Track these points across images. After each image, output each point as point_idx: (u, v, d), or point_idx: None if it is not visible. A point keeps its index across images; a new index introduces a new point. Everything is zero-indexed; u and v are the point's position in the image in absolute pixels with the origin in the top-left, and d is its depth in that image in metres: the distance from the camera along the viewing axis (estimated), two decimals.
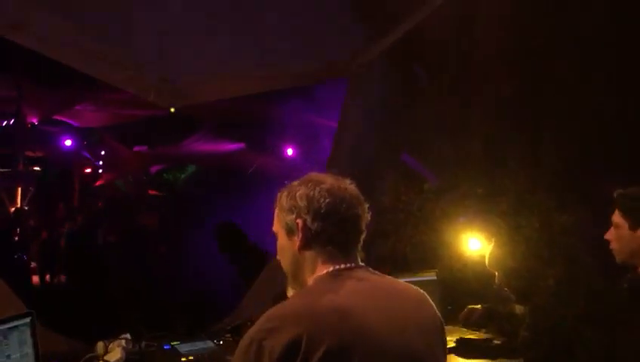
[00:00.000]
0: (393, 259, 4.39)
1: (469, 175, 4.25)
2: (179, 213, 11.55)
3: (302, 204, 1.59)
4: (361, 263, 1.62)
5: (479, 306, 3.39)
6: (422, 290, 1.66)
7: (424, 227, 4.30)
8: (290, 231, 1.62)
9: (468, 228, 3.87)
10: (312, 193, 1.59)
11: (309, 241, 1.59)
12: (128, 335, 2.82)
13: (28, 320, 2.28)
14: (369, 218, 1.65)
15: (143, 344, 2.82)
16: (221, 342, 2.78)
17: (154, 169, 13.54)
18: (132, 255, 7.40)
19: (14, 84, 9.62)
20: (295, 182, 1.65)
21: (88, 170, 13.26)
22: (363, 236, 1.63)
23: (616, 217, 2.41)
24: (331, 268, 1.57)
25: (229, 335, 2.94)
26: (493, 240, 3.55)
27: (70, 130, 12.08)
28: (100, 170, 13.44)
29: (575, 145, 3.75)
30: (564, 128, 3.81)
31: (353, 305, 1.46)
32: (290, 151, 11.11)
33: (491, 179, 4.12)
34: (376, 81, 4.19)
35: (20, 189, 11.63)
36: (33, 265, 8.68)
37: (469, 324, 3.35)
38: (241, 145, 11.49)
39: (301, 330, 1.35)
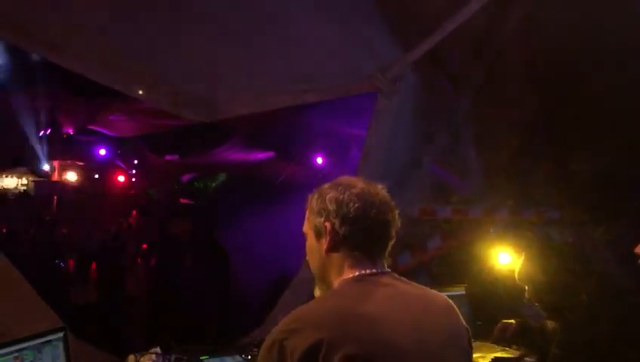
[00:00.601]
0: (418, 271, 4.36)
1: (498, 187, 4.22)
2: (210, 221, 11.65)
3: (331, 207, 1.61)
4: (387, 269, 1.62)
5: (513, 321, 3.34)
6: (449, 299, 1.67)
7: (451, 240, 4.27)
8: (318, 234, 1.64)
9: (498, 241, 3.83)
10: (341, 197, 1.61)
11: (337, 244, 1.60)
12: (158, 349, 2.86)
13: (61, 334, 2.34)
14: (399, 224, 1.66)
15: (173, 357, 2.85)
16: (249, 357, 2.79)
17: (185, 178, 13.71)
18: (163, 264, 7.48)
19: (51, 95, 9.86)
20: (326, 185, 1.68)
21: (122, 179, 13.49)
22: (392, 242, 1.64)
23: None
24: (357, 273, 1.58)
25: (256, 349, 2.96)
26: (523, 253, 3.50)
27: (104, 140, 12.31)
28: (133, 179, 13.66)
29: (607, 158, 3.68)
30: (596, 141, 3.75)
31: (375, 311, 1.46)
32: (319, 160, 11.13)
33: (521, 191, 4.08)
34: (404, 93, 4.18)
35: (55, 198, 11.90)
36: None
37: (502, 340, 3.29)
38: (271, 153, 11.57)
39: (322, 334, 1.37)
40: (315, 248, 1.65)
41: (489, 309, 3.68)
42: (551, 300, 3.42)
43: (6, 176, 12.05)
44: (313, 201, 1.67)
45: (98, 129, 11.62)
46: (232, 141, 11.33)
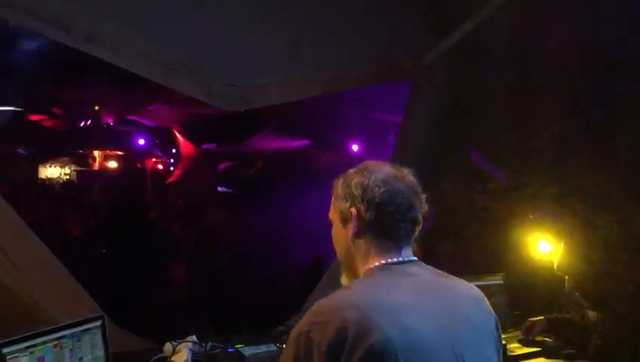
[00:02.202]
0: (456, 260, 4.31)
1: (539, 173, 4.12)
2: (246, 209, 11.76)
3: (356, 192, 1.58)
4: (413, 257, 1.59)
5: (540, 318, 3.23)
6: (477, 288, 1.62)
7: (489, 228, 4.20)
8: (344, 220, 1.61)
9: (537, 229, 3.74)
10: (366, 182, 1.58)
11: (362, 231, 1.58)
12: (195, 337, 2.90)
13: (99, 323, 2.38)
14: (426, 209, 1.62)
15: (209, 345, 2.88)
16: (284, 346, 2.80)
17: (222, 166, 13.84)
18: (201, 253, 7.59)
19: (91, 86, 10.05)
20: (351, 170, 1.65)
21: (160, 168, 13.72)
22: (419, 228, 1.61)
23: None
24: (383, 261, 1.55)
25: None
26: (564, 242, 3.42)
27: (143, 130, 12.50)
28: (172, 168, 13.86)
29: None
30: None
31: (401, 301, 1.44)
32: (355, 148, 11.08)
33: (563, 178, 3.97)
34: (440, 80, 4.12)
35: (96, 187, 12.17)
36: None
37: (530, 339, 3.20)
38: (307, 141, 11.57)
39: (347, 324, 1.35)
40: (341, 235, 1.63)
41: (527, 299, 3.61)
42: (596, 290, 3.33)
43: (49, 166, 12.37)
44: (338, 187, 1.65)
45: (137, 119, 11.82)
46: (268, 129, 11.38)
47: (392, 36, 3.84)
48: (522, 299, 3.61)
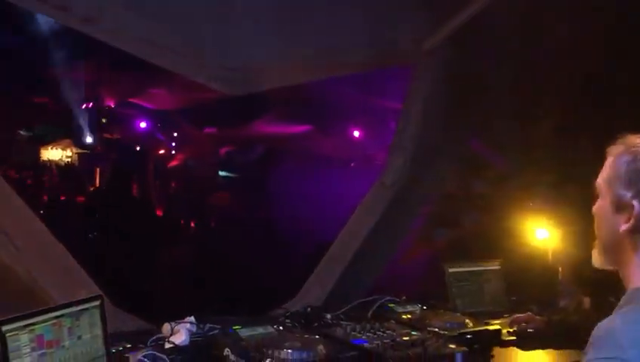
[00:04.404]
0: (453, 247, 4.34)
1: (537, 161, 4.14)
2: (248, 193, 11.78)
3: None
4: None
5: (542, 317, 3.15)
6: None
7: (487, 215, 4.23)
8: (617, 207, 1.41)
9: (535, 216, 3.77)
10: None
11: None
12: (193, 318, 2.93)
13: (98, 302, 2.41)
14: None
15: (207, 326, 2.92)
16: (281, 328, 2.84)
17: (224, 150, 13.84)
18: (202, 236, 7.62)
19: (93, 69, 10.03)
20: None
21: (162, 152, 13.72)
22: None
23: None
24: None
25: (288, 321, 3.00)
26: (561, 230, 3.44)
27: (145, 113, 12.49)
28: (173, 152, 13.87)
29: None
30: None
31: None
32: (356, 134, 11.08)
33: (562, 166, 3.99)
34: (441, 66, 4.11)
35: (97, 170, 12.20)
36: None
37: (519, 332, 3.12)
38: (309, 127, 11.55)
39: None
40: (607, 218, 1.44)
41: (524, 285, 3.64)
42: (592, 277, 3.35)
43: (51, 148, 12.39)
44: (622, 163, 1.41)
45: (138, 102, 11.81)
46: (269, 114, 11.36)
47: (393, 21, 3.83)
48: (519, 286, 3.64)
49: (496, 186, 4.40)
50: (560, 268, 3.24)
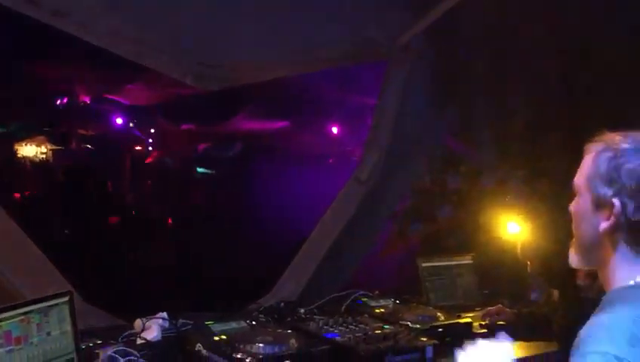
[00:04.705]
0: (428, 241, 4.37)
1: (509, 156, 4.19)
2: (225, 190, 11.75)
3: (628, 183, 1.30)
4: None
5: (512, 310, 3.19)
6: None
7: (461, 210, 4.27)
8: (598, 205, 1.36)
9: (507, 211, 3.81)
10: None
11: (622, 231, 1.33)
12: (165, 314, 2.92)
13: (67, 298, 2.38)
14: None
15: (180, 322, 2.91)
16: (254, 323, 2.84)
17: (201, 147, 13.76)
18: (179, 232, 7.59)
19: (68, 63, 9.87)
20: (626, 144, 1.34)
21: (139, 148, 13.58)
22: None
23: None
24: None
25: (262, 315, 3.01)
26: (530, 223, 3.48)
27: (121, 109, 12.34)
28: (150, 148, 13.74)
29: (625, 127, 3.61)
30: (610, 112, 3.68)
31: None
32: (335, 130, 11.09)
33: (532, 161, 4.05)
34: (415, 62, 4.13)
35: (73, 166, 12.01)
36: None
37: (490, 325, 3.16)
38: (287, 123, 11.53)
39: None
40: (587, 215, 1.39)
41: (495, 278, 3.68)
42: (561, 269, 3.40)
43: (25, 145, 12.19)
44: (602, 160, 1.36)
45: (114, 98, 11.67)
46: (247, 110, 11.32)
47: (369, 16, 3.83)
48: (491, 279, 3.68)
49: (470, 181, 4.44)
50: (529, 262, 3.28)
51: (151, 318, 2.86)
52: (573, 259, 1.49)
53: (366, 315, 2.97)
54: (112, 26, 3.09)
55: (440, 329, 2.79)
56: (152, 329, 2.77)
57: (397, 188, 4.31)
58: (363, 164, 4.09)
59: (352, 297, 3.25)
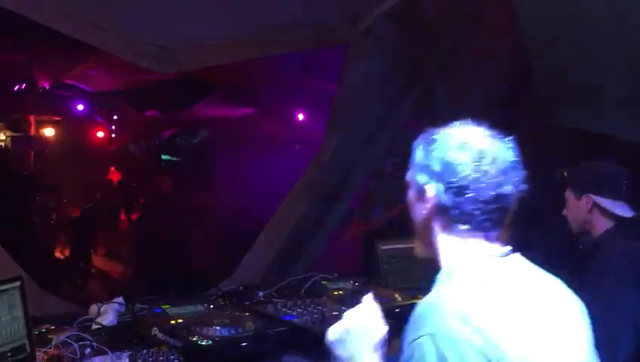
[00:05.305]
0: (391, 225, 4.39)
1: None
2: (190, 177, 11.64)
3: (436, 168, 1.35)
4: (506, 249, 1.37)
5: None
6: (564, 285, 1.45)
7: None
8: (419, 193, 1.41)
9: None
10: (451, 158, 1.33)
11: (440, 215, 1.37)
12: (121, 299, 2.88)
13: (17, 284, 2.33)
14: (523, 190, 1.36)
15: (136, 307, 2.87)
16: (212, 306, 2.82)
17: (166, 134, 13.59)
18: (142, 220, 7.50)
19: (25, 47, 9.61)
20: (437, 134, 1.40)
21: (101, 135, 13.35)
22: (510, 213, 1.37)
23: (566, 193, 2.63)
24: (465, 256, 1.36)
25: (220, 299, 2.99)
26: None
27: (82, 95, 12.09)
28: (113, 135, 13.52)
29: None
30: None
31: (489, 310, 1.25)
32: (300, 117, 11.06)
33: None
34: (375, 45, 4.13)
35: (32, 153, 11.76)
36: None
37: None
38: (252, 109, 11.45)
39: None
40: (413, 205, 1.44)
41: None
42: None
43: None
44: (416, 151, 1.42)
45: (75, 83, 11.41)
46: (212, 97, 11.21)
47: (328, 0, 3.82)
48: None
49: None
50: None
51: (106, 303, 2.81)
52: (417, 247, 1.54)
53: (325, 298, 2.97)
54: (63, 6, 3.01)
55: (397, 310, 2.81)
56: (108, 314, 2.72)
57: (358, 172, 4.31)
58: (324, 148, 4.09)
59: (312, 280, 3.25)
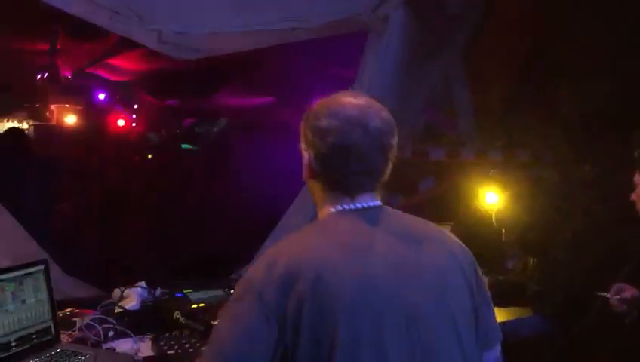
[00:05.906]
0: (409, 211, 4.39)
1: (487, 128, 4.21)
2: (210, 165, 11.70)
3: (309, 135, 1.48)
4: (374, 202, 1.49)
5: (488, 276, 3.29)
6: (443, 229, 1.61)
7: (442, 181, 4.29)
8: (302, 158, 1.53)
9: (485, 181, 3.85)
10: (320, 125, 1.45)
11: (314, 176, 1.50)
12: (144, 283, 2.93)
13: (42, 267, 2.39)
14: (395, 150, 1.55)
15: (158, 291, 2.92)
16: (231, 291, 2.85)
17: (186, 122, 13.67)
18: (158, 207, 7.56)
19: (48, 37, 9.70)
20: (317, 104, 1.51)
21: (122, 123, 13.45)
22: (381, 177, 1.53)
23: (637, 177, 2.44)
24: (333, 209, 1.47)
25: None
26: (507, 193, 3.52)
27: (104, 84, 12.18)
28: (134, 124, 13.61)
29: (594, 100, 3.65)
30: (584, 82, 3.71)
31: (342, 255, 1.34)
32: None
33: (510, 132, 4.07)
34: (395, 32, 4.10)
35: (55, 141, 11.88)
36: None
37: None
38: (271, 98, 11.45)
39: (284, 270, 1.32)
40: (304, 171, 1.55)
41: (472, 247, 3.72)
42: (536, 238, 3.46)
43: (6, 121, 12.02)
44: (302, 122, 1.53)
45: (97, 73, 11.50)
46: (231, 85, 11.22)
47: None
48: (470, 248, 3.72)
49: (450, 153, 4.46)
50: (503, 230, 3.33)
51: (129, 288, 2.86)
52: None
53: None
54: None
55: None
56: (131, 298, 2.78)
57: None
58: None
59: None
